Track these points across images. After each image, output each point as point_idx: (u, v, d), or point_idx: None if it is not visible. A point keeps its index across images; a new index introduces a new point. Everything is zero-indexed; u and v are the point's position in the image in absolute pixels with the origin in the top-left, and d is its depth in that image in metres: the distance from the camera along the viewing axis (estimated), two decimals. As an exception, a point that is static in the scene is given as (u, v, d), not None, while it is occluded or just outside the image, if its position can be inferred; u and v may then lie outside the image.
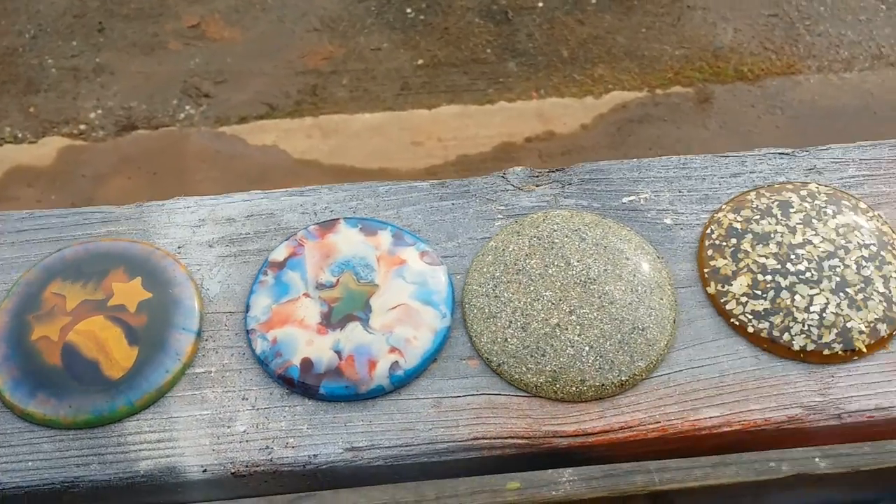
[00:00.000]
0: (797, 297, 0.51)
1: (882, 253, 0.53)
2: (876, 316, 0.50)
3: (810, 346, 0.50)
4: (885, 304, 0.51)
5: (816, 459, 0.81)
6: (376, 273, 0.52)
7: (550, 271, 0.52)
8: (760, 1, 2.47)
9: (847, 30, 2.39)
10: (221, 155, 2.08)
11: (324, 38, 2.34)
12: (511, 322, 0.51)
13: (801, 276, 0.52)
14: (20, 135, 2.01)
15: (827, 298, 0.51)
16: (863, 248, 0.53)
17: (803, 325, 0.50)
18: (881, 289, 0.51)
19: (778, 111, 2.19)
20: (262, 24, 2.38)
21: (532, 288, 0.52)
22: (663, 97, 2.22)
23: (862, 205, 0.55)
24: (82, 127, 2.03)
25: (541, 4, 2.49)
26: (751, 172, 0.58)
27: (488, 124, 2.17)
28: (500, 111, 2.18)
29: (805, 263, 0.52)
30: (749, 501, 0.84)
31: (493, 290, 0.52)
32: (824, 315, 0.50)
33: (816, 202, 0.55)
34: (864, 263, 0.52)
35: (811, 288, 0.51)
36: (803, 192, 0.55)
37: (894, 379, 0.50)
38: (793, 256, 0.52)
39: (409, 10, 2.44)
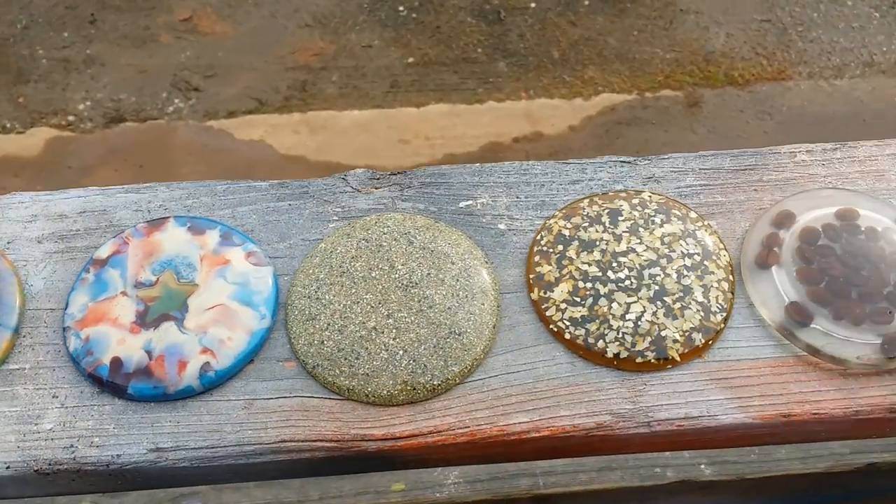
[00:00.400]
0: (614, 305, 0.51)
1: (706, 263, 0.52)
2: (692, 325, 0.50)
3: (623, 354, 0.50)
4: (702, 313, 0.51)
5: (702, 466, 0.81)
6: (198, 273, 0.52)
7: (374, 274, 0.53)
8: (754, 6, 2.44)
9: (840, 37, 2.37)
10: (208, 149, 2.09)
11: (315, 35, 2.35)
12: (329, 324, 0.51)
13: (620, 284, 0.52)
14: (8, 125, 2.04)
15: (644, 307, 0.51)
16: (686, 258, 0.52)
17: (618, 333, 0.50)
18: (700, 298, 0.51)
19: (767, 117, 2.19)
20: (254, 18, 2.39)
21: (353, 291, 0.52)
22: (652, 100, 2.21)
23: (693, 214, 0.55)
24: (70, 118, 2.05)
25: (533, 5, 2.48)
26: (590, 180, 0.58)
27: (476, 124, 2.17)
28: (488, 111, 2.18)
29: (626, 271, 0.52)
30: (637, 507, 0.84)
31: (316, 291, 0.52)
32: (639, 323, 0.50)
33: (646, 211, 0.55)
34: (685, 273, 0.52)
35: (629, 296, 0.51)
36: (635, 201, 0.55)
37: (706, 388, 0.50)
38: (615, 264, 0.52)
39: (401, 8, 2.44)
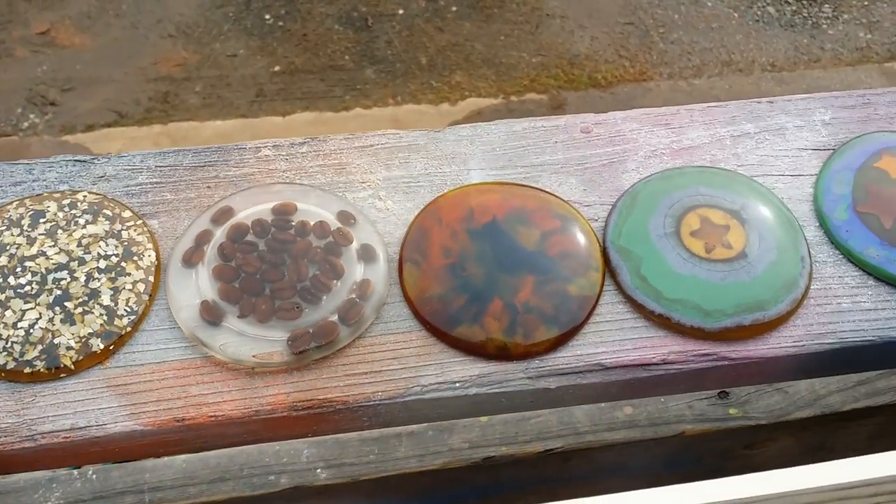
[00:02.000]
0: (8, 313, 0.47)
1: (124, 264, 0.49)
2: (91, 330, 0.47)
3: (11, 365, 0.46)
4: (106, 317, 0.47)
5: (318, 470, 0.78)
6: None
7: None
8: (617, 9, 2.49)
9: (699, 37, 2.43)
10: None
11: (178, 45, 2.25)
12: None
13: (19, 291, 0.48)
14: None
15: (40, 313, 0.47)
16: (102, 260, 0.49)
17: (7, 343, 0.46)
18: (107, 302, 0.48)
19: (626, 117, 2.26)
20: (114, 30, 2.28)
21: None
22: (518, 104, 2.22)
23: (126, 214, 0.52)
24: (-85, 136, 1.90)
25: (401, 11, 2.46)
26: (35, 181, 0.54)
27: (342, 131, 2.13)
28: (355, 118, 2.13)
29: (29, 276, 0.48)
30: (259, 518, 0.80)
31: None
32: (32, 331, 0.47)
33: (74, 211, 0.51)
34: (96, 275, 0.49)
35: (27, 302, 0.47)
36: (66, 202, 0.52)
37: (101, 397, 0.46)
38: (19, 270, 0.48)
39: (267, 17, 2.37)
